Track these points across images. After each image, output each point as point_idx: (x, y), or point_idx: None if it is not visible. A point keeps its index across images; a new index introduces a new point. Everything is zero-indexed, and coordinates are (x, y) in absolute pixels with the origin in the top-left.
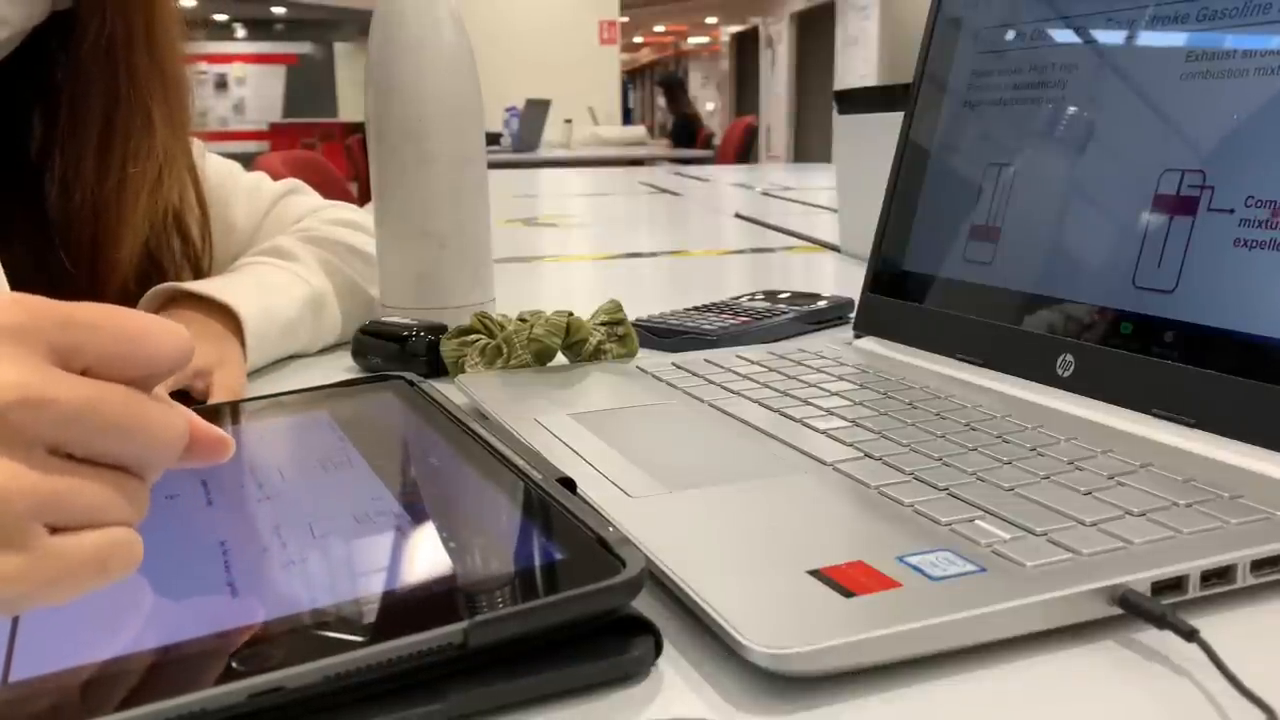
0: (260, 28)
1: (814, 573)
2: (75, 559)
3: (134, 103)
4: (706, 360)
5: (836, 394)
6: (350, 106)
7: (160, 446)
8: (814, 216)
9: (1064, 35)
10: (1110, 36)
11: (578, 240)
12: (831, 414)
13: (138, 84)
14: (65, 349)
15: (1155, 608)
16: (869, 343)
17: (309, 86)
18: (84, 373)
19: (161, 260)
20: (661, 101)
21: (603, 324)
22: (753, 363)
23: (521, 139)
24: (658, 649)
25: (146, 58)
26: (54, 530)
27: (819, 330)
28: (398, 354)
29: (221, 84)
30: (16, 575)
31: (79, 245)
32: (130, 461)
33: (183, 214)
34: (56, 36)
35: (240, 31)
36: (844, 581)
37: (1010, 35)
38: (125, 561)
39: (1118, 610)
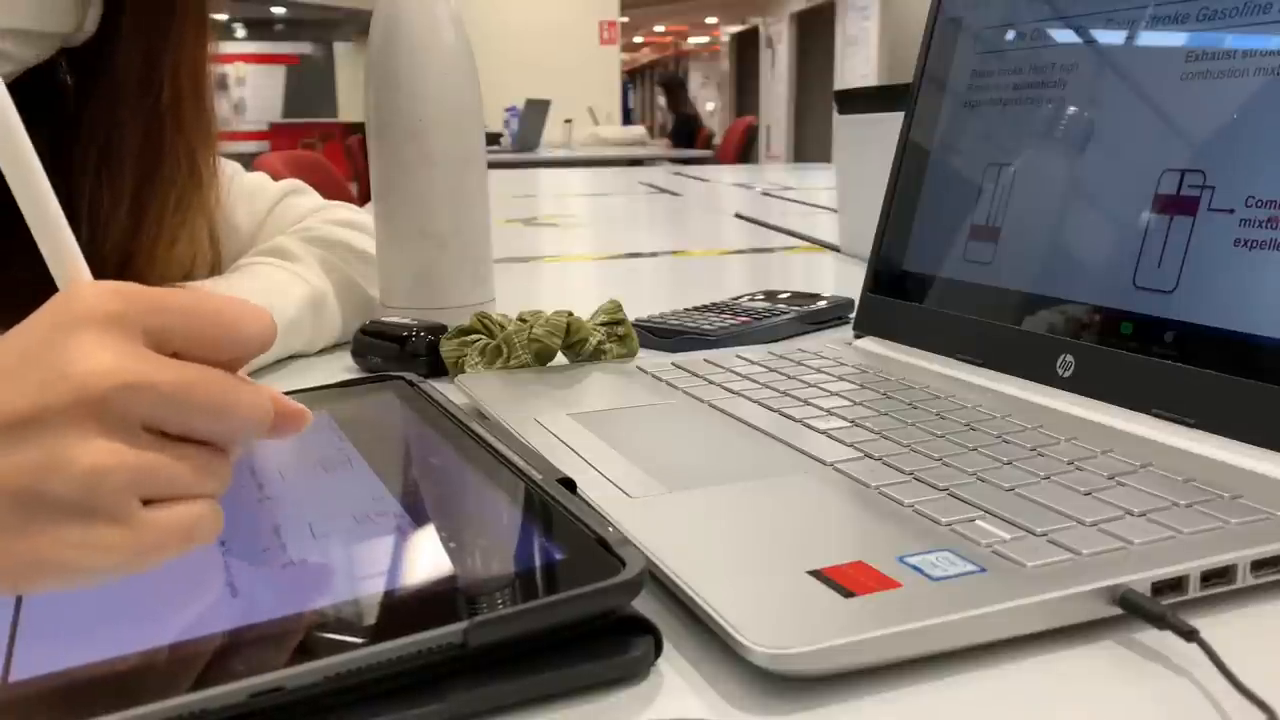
0: (260, 28)
1: (814, 573)
2: (166, 529)
3: (179, 154)
4: (706, 360)
5: (836, 394)
6: (350, 106)
7: (249, 425)
8: (814, 216)
9: (1064, 35)
10: (1110, 36)
11: (578, 240)
12: (831, 414)
13: (184, 135)
14: (159, 333)
15: (1155, 608)
16: (869, 343)
17: (309, 86)
18: (175, 355)
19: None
20: (661, 101)
21: (603, 324)
22: (753, 363)
23: (521, 139)
24: (658, 649)
25: (194, 108)
26: (146, 503)
27: (819, 330)
28: (398, 354)
29: (221, 84)
30: (115, 545)
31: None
32: (219, 438)
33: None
34: (73, 71)
35: (240, 31)
36: (844, 581)
37: (1010, 35)
38: (209, 531)
39: (1118, 610)
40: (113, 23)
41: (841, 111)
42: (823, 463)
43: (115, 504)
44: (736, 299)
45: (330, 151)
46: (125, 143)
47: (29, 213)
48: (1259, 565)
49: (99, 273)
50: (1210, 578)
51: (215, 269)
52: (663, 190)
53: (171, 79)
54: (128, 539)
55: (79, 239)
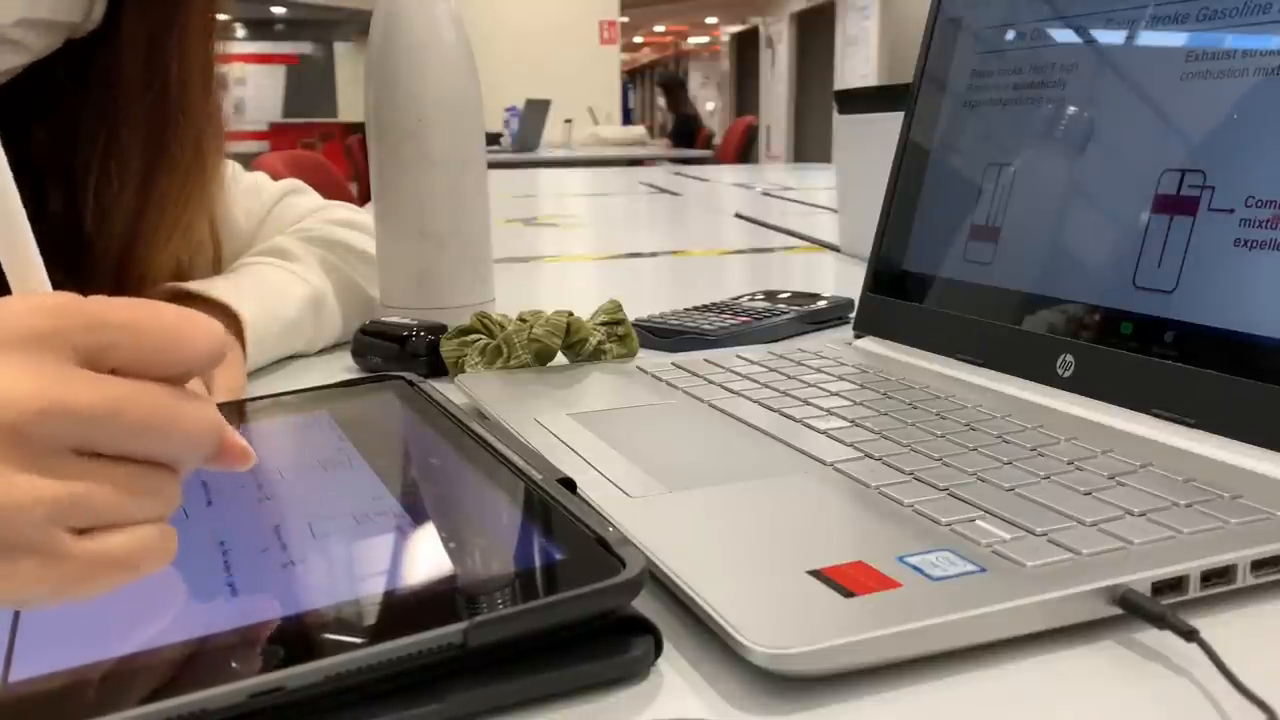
0: (260, 28)
1: (814, 573)
2: (100, 559)
3: (184, 141)
4: (706, 360)
5: (836, 394)
6: (350, 106)
7: (191, 444)
8: (814, 216)
9: (1064, 35)
10: (1110, 36)
11: (578, 240)
12: (831, 414)
13: (191, 122)
14: (94, 350)
15: (1155, 608)
16: (869, 343)
17: (309, 86)
18: (115, 371)
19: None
20: (661, 101)
21: (603, 324)
22: (753, 363)
23: (521, 139)
24: (658, 649)
25: (200, 96)
26: (84, 530)
27: (819, 330)
28: (398, 354)
29: (221, 84)
30: (43, 578)
31: (103, 263)
32: (161, 458)
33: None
34: (74, 61)
35: (240, 31)
36: (844, 581)
37: (1010, 35)
38: (156, 556)
39: (1118, 610)
40: (115, 14)
41: (841, 111)
42: (823, 463)
43: (35, 539)
44: (736, 299)
45: (330, 151)
46: (132, 130)
47: None
48: (1259, 565)
49: (101, 259)
50: (1210, 578)
51: (215, 269)
52: (663, 190)
53: (178, 68)
54: (54, 571)
55: (83, 224)
